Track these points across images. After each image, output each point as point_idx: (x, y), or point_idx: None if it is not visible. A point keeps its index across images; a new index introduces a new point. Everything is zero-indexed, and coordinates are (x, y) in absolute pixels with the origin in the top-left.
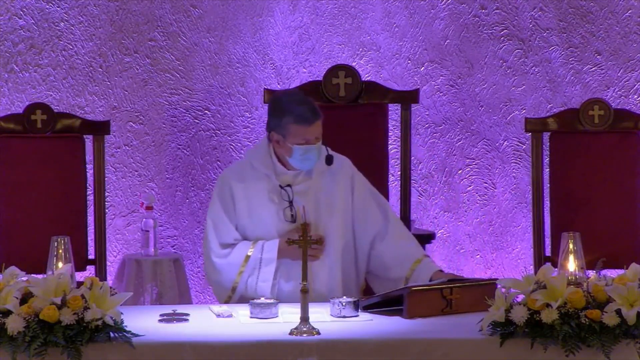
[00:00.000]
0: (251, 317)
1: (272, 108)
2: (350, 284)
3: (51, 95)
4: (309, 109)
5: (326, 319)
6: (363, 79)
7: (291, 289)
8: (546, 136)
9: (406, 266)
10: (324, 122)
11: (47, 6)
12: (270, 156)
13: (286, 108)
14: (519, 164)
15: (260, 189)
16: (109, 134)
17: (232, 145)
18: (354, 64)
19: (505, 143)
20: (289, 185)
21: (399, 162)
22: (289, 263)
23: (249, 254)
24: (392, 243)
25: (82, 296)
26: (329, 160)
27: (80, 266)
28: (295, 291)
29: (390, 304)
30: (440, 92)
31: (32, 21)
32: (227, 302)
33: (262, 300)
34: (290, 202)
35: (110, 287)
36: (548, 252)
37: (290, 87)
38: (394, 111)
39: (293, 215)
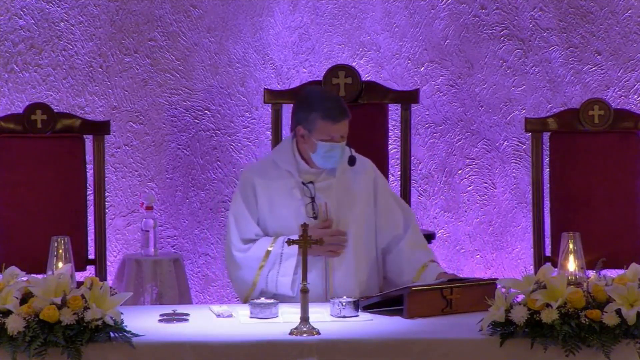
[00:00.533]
0: (251, 317)
1: (300, 102)
2: (372, 283)
3: (51, 95)
4: (338, 107)
5: (326, 319)
6: (363, 79)
7: (311, 283)
8: (546, 136)
9: (414, 270)
10: None
11: (47, 6)
12: (294, 153)
13: (315, 103)
14: (519, 164)
15: (283, 186)
16: (109, 134)
17: (232, 145)
18: (354, 64)
19: (505, 143)
20: (311, 182)
21: (399, 162)
22: (311, 258)
23: (270, 249)
24: (406, 248)
25: (82, 296)
26: (352, 161)
27: (80, 266)
28: (316, 285)
29: (390, 304)
30: (440, 92)
31: (32, 21)
32: (247, 297)
33: (262, 300)
34: (313, 199)
35: (110, 287)
36: (548, 252)
37: (290, 87)
38: (394, 111)
39: (315, 212)
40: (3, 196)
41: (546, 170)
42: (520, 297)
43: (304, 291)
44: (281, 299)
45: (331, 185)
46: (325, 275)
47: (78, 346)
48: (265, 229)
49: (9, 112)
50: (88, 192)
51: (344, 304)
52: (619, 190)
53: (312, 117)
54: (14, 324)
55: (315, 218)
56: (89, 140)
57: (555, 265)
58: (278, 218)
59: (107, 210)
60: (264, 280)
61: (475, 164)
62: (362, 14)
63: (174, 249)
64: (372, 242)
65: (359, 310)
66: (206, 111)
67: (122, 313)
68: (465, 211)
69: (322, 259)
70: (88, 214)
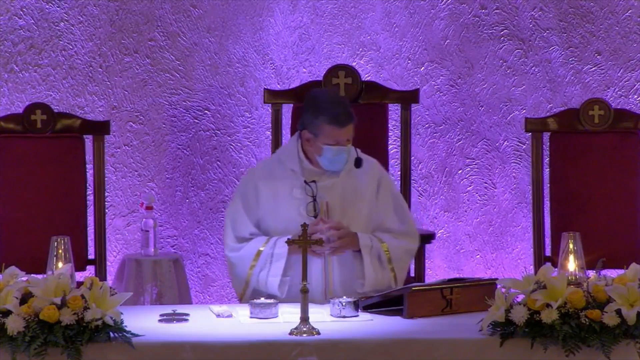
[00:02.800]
0: (251, 317)
1: (307, 105)
2: None
3: (51, 95)
4: (344, 111)
5: (326, 319)
6: (363, 79)
7: (310, 283)
8: (546, 136)
9: None
10: None
11: (47, 6)
12: (298, 152)
13: (322, 107)
14: (519, 164)
15: (285, 184)
16: (109, 134)
17: (232, 145)
18: (354, 64)
19: (505, 143)
20: (314, 181)
21: (399, 162)
22: (310, 258)
23: (262, 249)
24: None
25: (82, 296)
26: (358, 163)
27: (80, 266)
28: (316, 285)
29: (390, 304)
30: (440, 92)
31: (32, 21)
32: (242, 295)
33: (262, 300)
34: (314, 198)
35: (110, 287)
36: (548, 252)
37: (290, 87)
38: (394, 111)
39: (316, 211)
40: (3, 196)
41: (546, 170)
42: (520, 297)
43: (304, 291)
44: (276, 299)
45: (334, 185)
46: (325, 275)
47: (78, 346)
48: (267, 227)
49: (9, 112)
50: (88, 192)
51: (344, 304)
52: (618, 190)
53: (318, 121)
54: (13, 324)
55: (315, 217)
56: (89, 140)
57: (555, 265)
58: (279, 216)
59: (107, 210)
60: (255, 279)
61: (475, 164)
62: (362, 14)
63: (174, 249)
64: None
65: (359, 310)
66: (206, 111)
67: (122, 313)
68: (465, 211)
69: (321, 259)
70: (88, 214)
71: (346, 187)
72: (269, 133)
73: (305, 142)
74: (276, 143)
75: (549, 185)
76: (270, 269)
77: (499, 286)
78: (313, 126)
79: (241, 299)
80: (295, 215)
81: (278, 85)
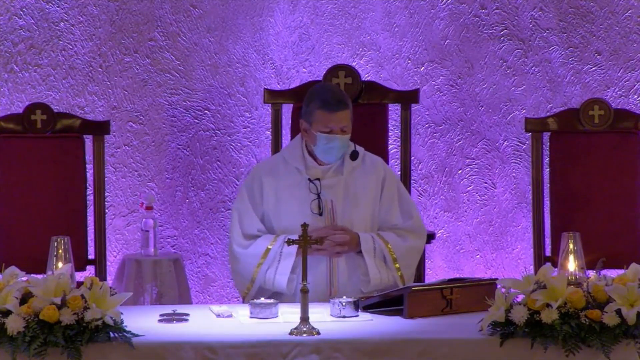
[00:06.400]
0: (251, 317)
1: (305, 96)
2: None
3: (51, 95)
4: (335, 97)
5: (326, 319)
6: (363, 79)
7: (315, 282)
8: (546, 136)
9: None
10: None
11: (47, 6)
12: (302, 149)
13: (315, 94)
14: (519, 164)
15: (290, 181)
16: (109, 134)
17: (232, 145)
18: (354, 64)
19: (505, 143)
20: (318, 179)
21: (399, 162)
22: (314, 257)
23: (270, 247)
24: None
25: (82, 296)
26: (354, 155)
27: (80, 266)
28: (320, 284)
29: (390, 304)
30: (440, 92)
31: (32, 21)
32: (246, 293)
33: (262, 300)
34: (318, 195)
35: (110, 287)
36: (548, 252)
37: (290, 87)
38: (394, 111)
39: (320, 209)
40: (3, 196)
41: (546, 170)
42: (520, 297)
43: (304, 291)
44: (281, 298)
45: (338, 183)
46: (329, 275)
47: (78, 346)
48: (271, 224)
49: (9, 112)
50: (88, 192)
51: (344, 304)
52: (618, 190)
53: (310, 108)
54: (14, 324)
55: (320, 214)
56: (89, 140)
57: (555, 265)
58: (283, 214)
59: (107, 210)
60: (262, 277)
61: (475, 164)
62: (362, 14)
63: (174, 249)
64: None
65: (359, 310)
66: (206, 111)
67: (122, 313)
68: (465, 211)
69: (326, 258)
70: (88, 214)
71: (350, 186)
72: (269, 133)
73: (303, 133)
74: (276, 143)
75: (549, 185)
76: (278, 267)
77: (499, 286)
78: (307, 114)
79: (244, 298)
80: (300, 212)
81: (278, 85)
